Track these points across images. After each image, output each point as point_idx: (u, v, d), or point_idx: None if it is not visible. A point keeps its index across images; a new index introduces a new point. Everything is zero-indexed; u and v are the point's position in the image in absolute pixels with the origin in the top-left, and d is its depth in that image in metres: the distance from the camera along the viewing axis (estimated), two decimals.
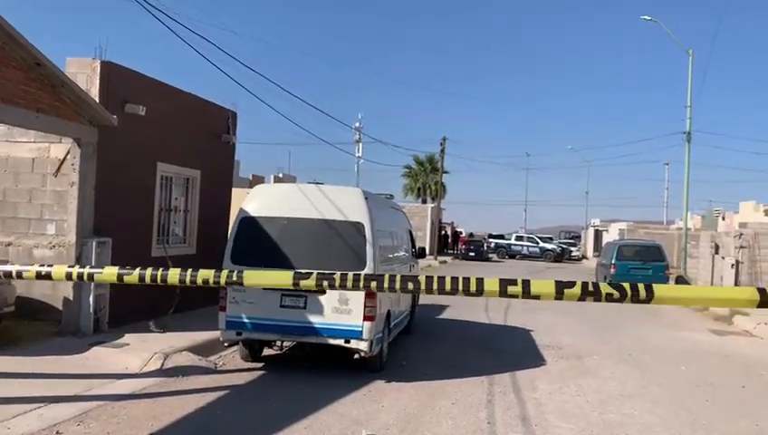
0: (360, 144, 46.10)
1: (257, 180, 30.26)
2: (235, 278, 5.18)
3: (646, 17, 26.66)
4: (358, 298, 8.04)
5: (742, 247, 21.70)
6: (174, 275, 5.08)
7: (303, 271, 5.37)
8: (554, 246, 49.71)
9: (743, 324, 15.28)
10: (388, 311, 9.08)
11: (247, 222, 8.52)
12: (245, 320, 8.27)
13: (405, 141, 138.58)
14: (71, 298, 9.37)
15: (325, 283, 5.01)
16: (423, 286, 4.73)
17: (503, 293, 4.59)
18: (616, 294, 4.41)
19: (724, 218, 40.58)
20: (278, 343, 9.22)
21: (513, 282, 4.61)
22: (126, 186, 10.30)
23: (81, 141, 9.30)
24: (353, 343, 8.09)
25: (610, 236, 50.42)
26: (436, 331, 12.67)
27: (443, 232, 48.98)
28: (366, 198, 8.62)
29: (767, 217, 34.95)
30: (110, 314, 9.79)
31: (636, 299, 4.38)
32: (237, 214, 8.67)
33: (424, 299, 16.28)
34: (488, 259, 44.19)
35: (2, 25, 7.43)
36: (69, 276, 5.47)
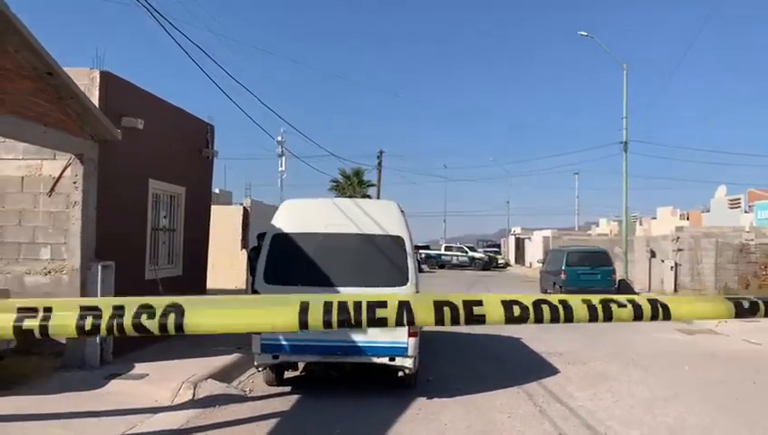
0: (284, 158, 45.87)
1: None
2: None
3: (582, 33, 27.86)
4: None
5: (680, 250, 23.00)
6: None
7: None
8: (482, 255, 50.87)
9: (703, 323, 16.14)
10: None
11: (280, 239, 8.09)
12: (283, 342, 7.86)
13: (349, 154, 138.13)
14: None
15: None
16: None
17: None
18: None
19: (641, 224, 42.86)
20: (297, 365, 8.85)
21: None
22: (121, 205, 9.61)
23: (83, 158, 8.58)
24: (398, 361, 7.86)
25: (534, 243, 52.21)
26: (428, 343, 12.56)
27: None
28: (402, 211, 8.46)
29: (684, 222, 37.30)
30: (113, 344, 9.05)
31: None
32: (269, 230, 8.22)
33: None
34: (421, 270, 44.66)
35: (18, 29, 6.70)
36: None
